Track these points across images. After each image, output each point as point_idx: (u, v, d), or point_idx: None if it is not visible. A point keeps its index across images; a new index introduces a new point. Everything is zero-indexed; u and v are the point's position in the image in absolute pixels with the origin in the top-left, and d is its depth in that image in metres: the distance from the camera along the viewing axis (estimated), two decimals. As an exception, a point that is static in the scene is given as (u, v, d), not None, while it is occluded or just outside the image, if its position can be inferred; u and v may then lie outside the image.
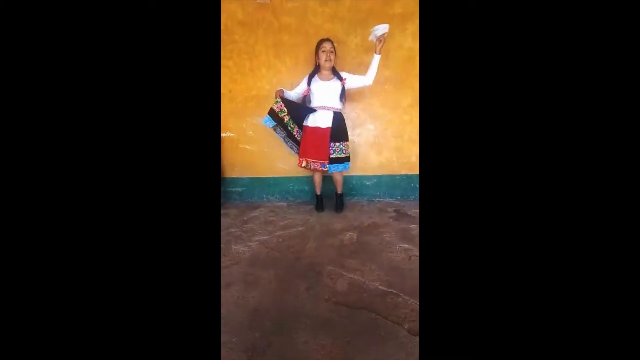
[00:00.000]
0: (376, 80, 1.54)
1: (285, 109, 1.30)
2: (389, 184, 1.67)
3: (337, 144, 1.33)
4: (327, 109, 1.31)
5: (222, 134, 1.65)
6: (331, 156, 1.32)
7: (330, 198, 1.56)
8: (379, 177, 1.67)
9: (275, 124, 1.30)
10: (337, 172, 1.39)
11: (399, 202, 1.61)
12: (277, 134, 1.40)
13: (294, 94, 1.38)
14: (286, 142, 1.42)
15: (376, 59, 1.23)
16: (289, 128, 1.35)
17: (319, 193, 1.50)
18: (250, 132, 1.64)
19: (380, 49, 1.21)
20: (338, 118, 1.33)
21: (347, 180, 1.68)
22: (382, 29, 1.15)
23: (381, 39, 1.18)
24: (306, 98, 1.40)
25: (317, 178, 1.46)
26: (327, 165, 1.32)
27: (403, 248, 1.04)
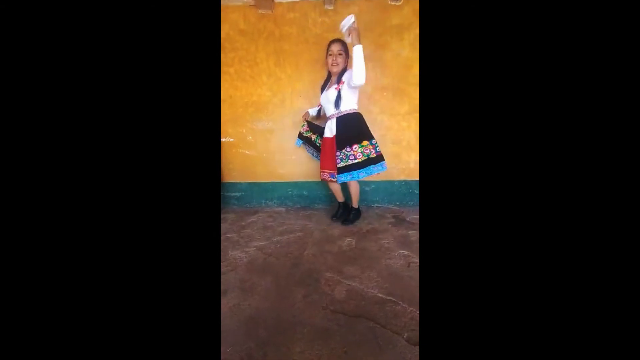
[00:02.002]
0: (374, 87, 1.58)
1: (310, 130, 1.41)
2: (388, 189, 1.67)
3: (343, 150, 1.19)
4: (332, 117, 1.25)
5: (222, 139, 1.66)
6: (338, 165, 1.19)
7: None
8: (377, 183, 1.67)
9: (302, 142, 1.43)
10: (353, 184, 1.26)
11: (397, 208, 1.61)
12: (307, 150, 1.47)
13: (314, 110, 1.42)
14: (317, 158, 1.45)
15: (355, 51, 1.05)
16: (317, 144, 1.41)
17: (340, 200, 1.38)
18: (250, 138, 1.65)
19: (355, 39, 1.04)
20: (342, 122, 1.20)
21: (345, 186, 1.68)
22: (347, 21, 1.05)
23: (350, 30, 1.04)
24: (320, 111, 1.42)
25: (332, 187, 1.35)
26: (336, 176, 1.21)
27: (402, 254, 1.03)
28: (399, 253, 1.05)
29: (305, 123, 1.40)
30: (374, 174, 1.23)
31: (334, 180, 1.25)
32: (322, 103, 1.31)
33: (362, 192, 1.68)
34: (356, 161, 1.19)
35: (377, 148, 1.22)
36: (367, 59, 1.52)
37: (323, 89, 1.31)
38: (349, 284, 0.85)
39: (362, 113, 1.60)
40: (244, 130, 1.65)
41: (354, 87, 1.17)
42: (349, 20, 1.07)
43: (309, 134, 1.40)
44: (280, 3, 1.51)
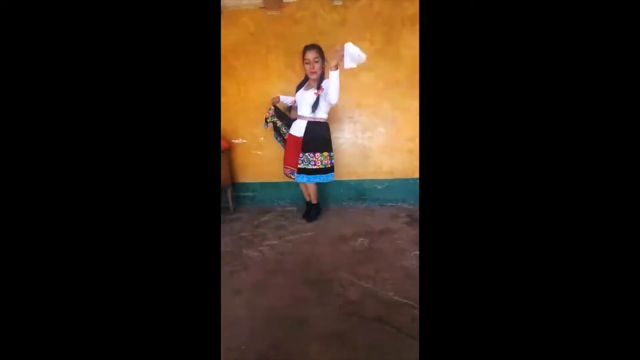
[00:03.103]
0: (386, 82, 1.54)
1: (276, 116, 1.42)
2: (402, 188, 1.61)
3: (306, 154, 1.28)
4: (303, 119, 1.29)
5: (235, 140, 1.70)
6: (299, 166, 1.29)
7: (343, 207, 1.53)
8: (390, 181, 1.62)
9: (267, 124, 1.45)
10: (310, 184, 1.36)
11: (412, 207, 1.55)
12: (273, 134, 1.48)
13: (288, 100, 1.44)
14: (278, 141, 1.49)
15: (332, 75, 1.08)
16: (282, 132, 1.44)
17: (307, 200, 1.48)
18: (262, 138, 1.68)
19: (336, 65, 1.05)
20: (311, 128, 1.26)
21: (357, 184, 1.65)
22: (356, 54, 0.93)
23: (336, 57, 1.02)
24: (291, 108, 1.44)
25: (301, 186, 1.44)
26: (295, 175, 1.30)
27: (418, 255, 0.99)
28: (414, 254, 1.00)
29: (272, 107, 1.40)
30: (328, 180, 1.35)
31: (292, 178, 1.34)
32: (298, 101, 1.32)
33: (375, 191, 1.64)
34: (314, 167, 1.31)
35: (332, 160, 1.35)
36: (378, 52, 1.49)
37: (299, 87, 1.34)
38: (363, 285, 0.83)
39: (373, 109, 1.58)
40: (256, 132, 1.68)
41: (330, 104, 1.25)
42: (360, 56, 0.97)
43: (274, 119, 1.41)
44: (289, 3, 1.51)
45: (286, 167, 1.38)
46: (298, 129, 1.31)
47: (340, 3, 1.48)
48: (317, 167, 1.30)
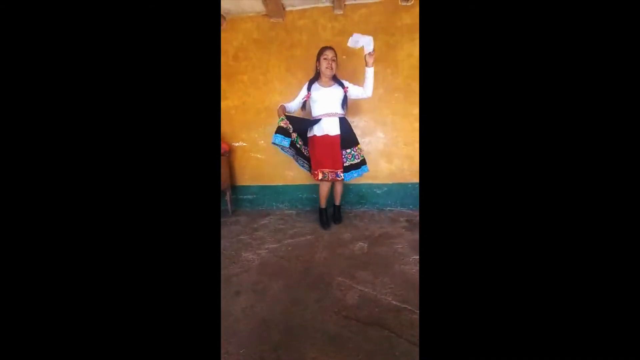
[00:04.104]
0: (386, 88, 1.57)
1: (291, 126, 1.20)
2: (401, 192, 1.63)
3: (348, 150, 1.29)
4: (333, 116, 1.25)
5: (235, 144, 1.71)
6: (345, 164, 1.28)
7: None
8: (389, 186, 1.63)
9: (290, 140, 1.19)
10: (339, 183, 1.37)
11: (411, 212, 1.56)
12: (286, 153, 1.30)
13: (295, 104, 1.30)
14: (297, 161, 1.36)
15: (370, 72, 1.20)
16: (297, 145, 1.26)
17: (323, 207, 1.36)
18: (262, 142, 1.69)
19: (371, 62, 1.17)
20: (345, 124, 1.29)
21: (356, 188, 1.66)
22: (366, 41, 1.09)
23: (370, 54, 1.14)
24: (306, 104, 1.30)
25: (326, 190, 1.33)
26: (342, 174, 1.25)
27: (417, 260, 0.99)
28: (413, 259, 1.01)
29: (284, 117, 1.19)
30: (361, 175, 1.36)
31: (341, 179, 1.29)
32: (318, 99, 1.24)
33: (374, 195, 1.65)
34: (356, 161, 1.31)
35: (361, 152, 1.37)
36: (378, 60, 1.53)
37: (311, 83, 1.27)
38: (362, 290, 0.83)
39: (372, 114, 1.61)
40: (256, 135, 1.69)
41: (360, 98, 1.32)
42: (364, 40, 1.10)
43: (290, 132, 1.19)
44: (291, 11, 1.55)
45: (330, 171, 1.24)
46: (330, 127, 1.24)
47: (341, 12, 1.52)
48: (359, 159, 1.31)
